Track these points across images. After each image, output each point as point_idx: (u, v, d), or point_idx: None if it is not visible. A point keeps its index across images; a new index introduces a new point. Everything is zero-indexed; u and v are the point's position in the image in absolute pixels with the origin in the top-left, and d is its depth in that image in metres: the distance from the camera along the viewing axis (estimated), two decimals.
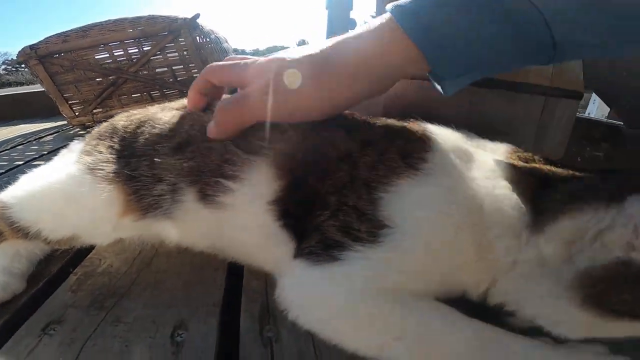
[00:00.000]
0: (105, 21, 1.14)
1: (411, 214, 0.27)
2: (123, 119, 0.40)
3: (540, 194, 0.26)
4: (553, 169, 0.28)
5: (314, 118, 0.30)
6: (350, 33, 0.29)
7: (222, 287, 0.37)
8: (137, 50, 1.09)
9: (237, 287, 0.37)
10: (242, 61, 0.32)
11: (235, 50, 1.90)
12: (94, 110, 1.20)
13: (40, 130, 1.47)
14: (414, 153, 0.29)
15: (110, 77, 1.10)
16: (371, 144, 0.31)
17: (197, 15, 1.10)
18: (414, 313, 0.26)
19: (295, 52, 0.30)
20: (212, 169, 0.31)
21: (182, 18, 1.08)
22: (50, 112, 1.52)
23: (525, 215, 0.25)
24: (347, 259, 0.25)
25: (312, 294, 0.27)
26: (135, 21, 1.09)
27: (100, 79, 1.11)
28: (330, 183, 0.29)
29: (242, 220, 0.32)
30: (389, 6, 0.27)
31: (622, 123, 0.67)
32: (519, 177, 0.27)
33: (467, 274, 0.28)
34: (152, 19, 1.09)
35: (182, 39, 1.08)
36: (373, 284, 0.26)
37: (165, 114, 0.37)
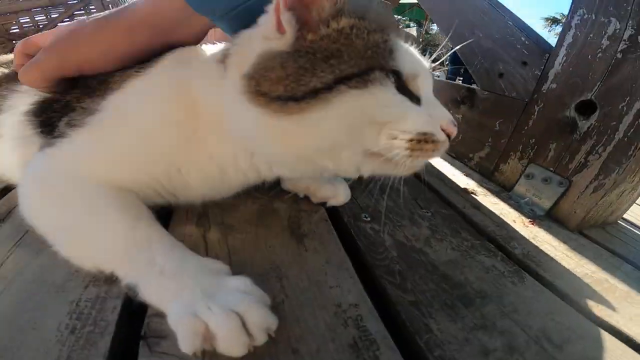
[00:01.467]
0: None
1: (117, 100, 0.29)
2: None
3: None
4: None
5: (101, 69, 0.32)
6: None
7: None
8: (44, 17, 1.07)
9: None
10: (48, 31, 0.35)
11: None
12: None
13: None
14: (151, 63, 0.32)
15: (14, 42, 1.07)
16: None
17: None
18: (86, 205, 0.27)
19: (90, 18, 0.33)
20: None
21: None
22: None
23: (220, 71, 0.29)
24: (57, 143, 0.28)
25: (28, 178, 0.29)
26: None
27: (5, 44, 1.08)
28: (84, 99, 0.31)
29: (9, 141, 0.34)
30: None
31: (477, 85, 0.67)
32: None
33: (190, 147, 0.30)
34: None
35: (93, 6, 1.08)
36: (69, 166, 0.28)
37: None
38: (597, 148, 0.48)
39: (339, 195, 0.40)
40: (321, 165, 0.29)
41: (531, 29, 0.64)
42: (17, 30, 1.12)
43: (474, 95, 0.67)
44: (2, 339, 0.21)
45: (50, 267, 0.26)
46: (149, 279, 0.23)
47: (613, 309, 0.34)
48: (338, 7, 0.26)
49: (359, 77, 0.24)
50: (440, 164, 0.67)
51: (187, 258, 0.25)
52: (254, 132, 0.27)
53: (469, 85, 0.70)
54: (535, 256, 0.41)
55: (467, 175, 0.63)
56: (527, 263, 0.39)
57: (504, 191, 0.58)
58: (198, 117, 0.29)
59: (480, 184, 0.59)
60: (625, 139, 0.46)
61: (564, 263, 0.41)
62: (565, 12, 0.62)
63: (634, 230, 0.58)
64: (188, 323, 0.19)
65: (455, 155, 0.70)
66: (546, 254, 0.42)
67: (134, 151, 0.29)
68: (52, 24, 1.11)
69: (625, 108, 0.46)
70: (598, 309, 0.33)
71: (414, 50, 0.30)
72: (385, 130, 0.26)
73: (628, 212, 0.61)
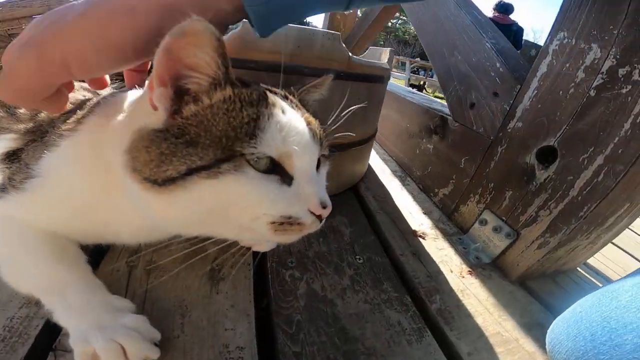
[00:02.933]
0: None
1: (50, 166, 0.35)
2: None
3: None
4: None
5: (97, 68, 0.28)
6: None
7: None
8: None
9: None
10: None
11: None
12: None
13: None
14: (83, 117, 0.37)
15: None
16: (70, 115, 0.39)
17: None
18: (21, 246, 0.36)
19: None
20: None
21: None
22: None
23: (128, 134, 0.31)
24: (6, 195, 0.36)
25: None
26: None
27: None
28: (33, 144, 0.38)
29: None
30: None
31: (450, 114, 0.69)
32: None
33: (107, 210, 0.36)
34: None
35: None
36: (13, 214, 0.37)
37: None
38: (549, 203, 0.50)
39: (262, 244, 0.46)
40: (201, 232, 0.33)
41: (514, 51, 0.63)
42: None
43: (446, 125, 0.69)
44: None
45: None
46: (60, 309, 0.32)
47: None
48: (216, 79, 0.27)
49: (208, 170, 0.26)
50: (403, 199, 0.71)
51: (96, 296, 0.34)
52: (137, 201, 0.31)
53: (443, 114, 0.72)
54: (451, 312, 0.45)
55: (426, 212, 0.67)
56: (437, 320, 0.44)
57: (460, 233, 0.62)
58: (113, 181, 0.33)
59: (436, 225, 0.63)
60: (579, 198, 0.47)
61: (480, 320, 0.45)
62: None
63: (591, 279, 0.59)
64: (80, 346, 0.28)
65: (423, 188, 0.73)
66: (466, 309, 0.46)
67: (63, 212, 0.36)
68: None
69: (586, 161, 0.47)
70: None
71: (294, 123, 0.30)
72: (247, 212, 0.29)
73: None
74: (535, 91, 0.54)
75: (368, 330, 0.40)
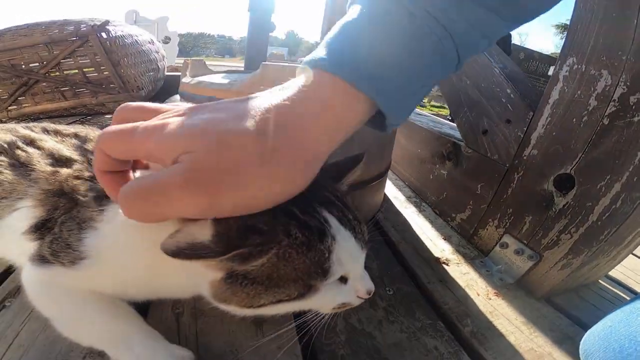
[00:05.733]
0: (18, 26, 1.31)
1: (98, 248, 0.38)
2: None
3: None
4: None
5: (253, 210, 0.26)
6: (282, 93, 0.26)
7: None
8: (47, 53, 1.25)
9: None
10: (141, 125, 0.25)
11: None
12: (9, 108, 1.38)
13: None
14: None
15: (23, 78, 1.26)
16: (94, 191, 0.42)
17: (107, 22, 1.30)
18: (77, 306, 0.39)
19: (224, 113, 0.25)
20: None
21: (90, 24, 1.24)
22: None
23: None
24: (49, 268, 0.39)
25: (27, 280, 0.41)
26: (47, 27, 1.26)
27: (14, 80, 1.27)
28: (61, 218, 0.41)
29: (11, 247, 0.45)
30: (311, 61, 0.26)
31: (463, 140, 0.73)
32: None
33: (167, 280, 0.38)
34: (62, 25, 1.27)
35: (91, 44, 1.24)
36: (64, 281, 0.39)
37: None
38: (569, 228, 0.54)
39: None
40: None
41: (522, 75, 0.67)
42: (23, 65, 1.31)
43: (459, 152, 0.73)
44: None
45: (56, 339, 0.39)
46: None
47: None
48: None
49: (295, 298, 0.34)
50: (422, 226, 0.75)
51: (159, 346, 0.37)
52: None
53: (454, 139, 0.76)
54: (483, 333, 0.50)
55: (445, 238, 0.70)
56: (472, 342, 0.48)
57: (481, 256, 0.65)
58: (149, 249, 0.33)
59: (457, 249, 0.67)
60: (599, 223, 0.50)
61: (512, 338, 0.49)
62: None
63: (613, 290, 0.63)
64: None
65: (439, 213, 0.76)
66: (497, 330, 0.51)
67: (120, 285, 0.40)
68: (54, 60, 1.29)
69: (604, 189, 0.49)
70: None
71: (348, 248, 0.33)
72: (316, 307, 0.37)
73: None
74: (549, 119, 0.57)
75: (408, 359, 0.44)
